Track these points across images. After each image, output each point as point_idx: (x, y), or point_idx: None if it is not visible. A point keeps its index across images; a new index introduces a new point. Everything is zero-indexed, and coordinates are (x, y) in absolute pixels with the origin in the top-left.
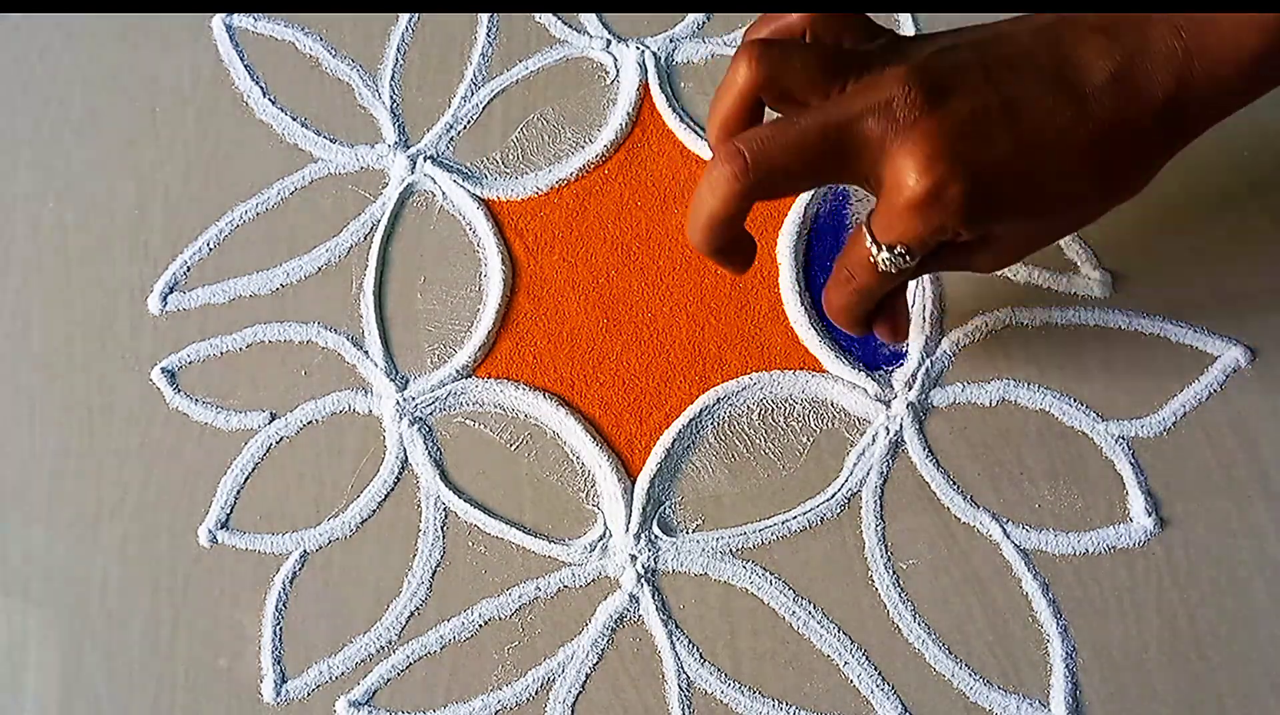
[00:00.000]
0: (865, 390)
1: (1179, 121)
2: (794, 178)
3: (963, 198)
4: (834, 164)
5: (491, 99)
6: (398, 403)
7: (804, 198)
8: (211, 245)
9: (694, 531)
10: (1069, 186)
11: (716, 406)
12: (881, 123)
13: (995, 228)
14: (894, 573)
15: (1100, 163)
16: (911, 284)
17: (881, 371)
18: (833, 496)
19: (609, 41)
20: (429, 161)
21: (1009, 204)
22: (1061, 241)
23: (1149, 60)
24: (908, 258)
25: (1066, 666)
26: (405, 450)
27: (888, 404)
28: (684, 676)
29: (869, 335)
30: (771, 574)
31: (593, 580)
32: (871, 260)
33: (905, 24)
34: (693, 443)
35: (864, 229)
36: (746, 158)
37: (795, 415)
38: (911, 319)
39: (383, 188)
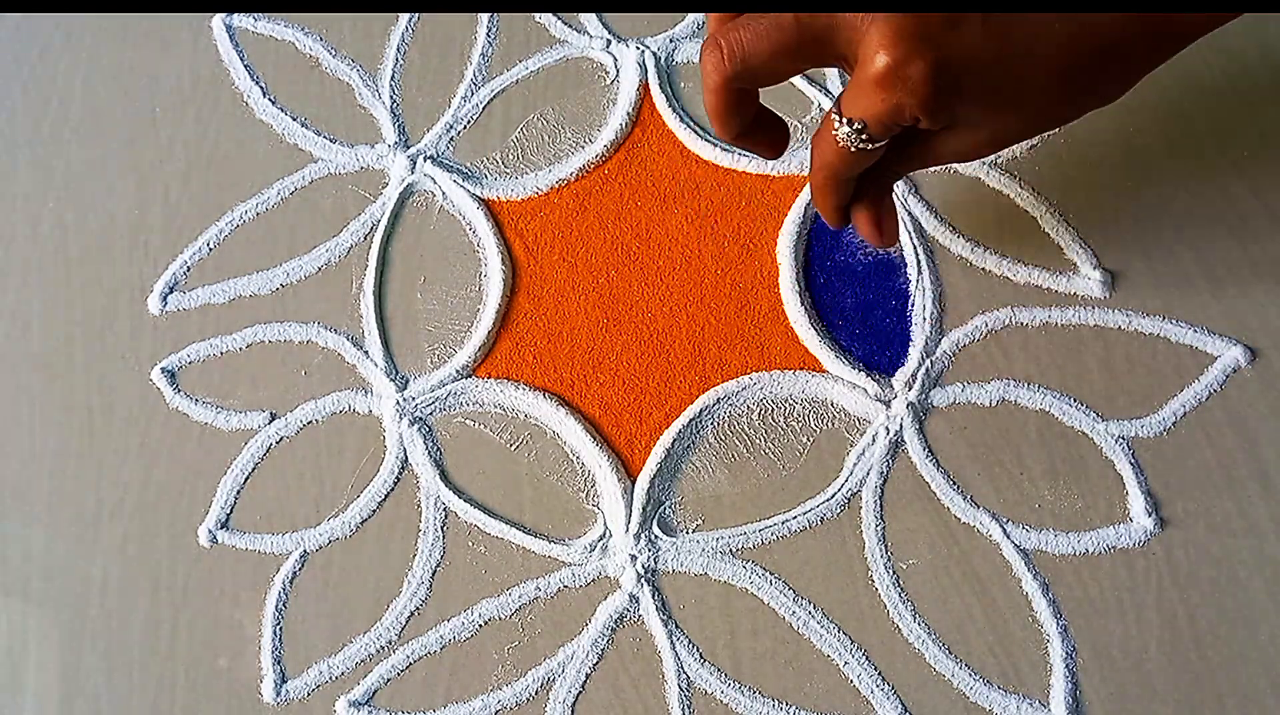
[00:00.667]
0: (865, 390)
1: (1165, 28)
2: (774, 61)
3: (925, 76)
4: (811, 48)
5: (491, 99)
6: (398, 403)
7: (804, 197)
8: (211, 245)
9: (694, 531)
10: (1039, 81)
11: (716, 406)
12: (847, 22)
13: (959, 114)
14: (894, 573)
15: (1074, 63)
16: (912, 283)
17: (881, 373)
18: (833, 496)
19: (609, 41)
20: (429, 161)
21: (973, 91)
22: (1061, 241)
23: None
24: (864, 135)
25: (1066, 666)
26: (405, 450)
27: (888, 404)
28: (684, 676)
29: (870, 333)
30: (771, 574)
31: (593, 580)
32: (834, 134)
33: None
34: (693, 443)
35: (834, 105)
36: (724, 48)
37: (795, 415)
38: (896, 223)
39: (383, 188)
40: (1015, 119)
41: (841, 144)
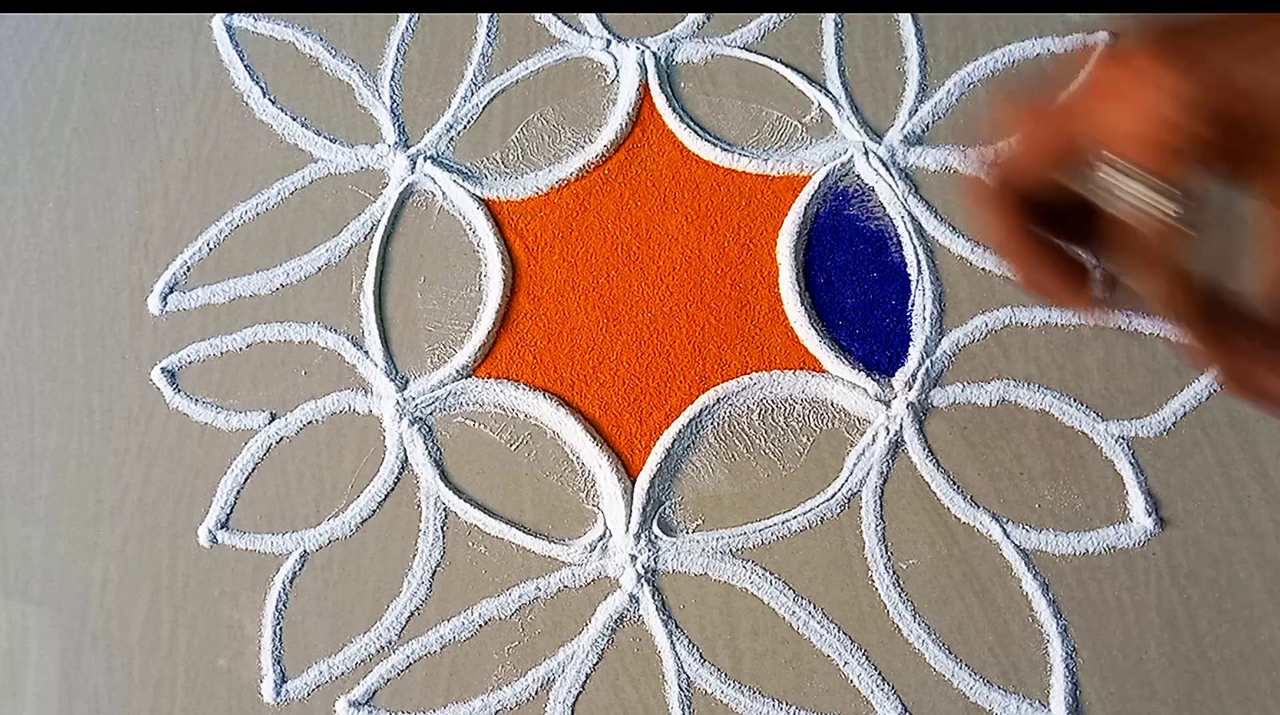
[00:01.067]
0: (865, 390)
1: None
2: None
3: (1180, 76)
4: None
5: (491, 99)
6: (398, 403)
7: (804, 197)
8: (211, 245)
9: (694, 531)
10: None
11: (716, 406)
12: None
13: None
14: (894, 573)
15: None
16: (912, 283)
17: (881, 373)
18: (833, 496)
19: (609, 41)
20: (429, 161)
21: (1259, 94)
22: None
23: None
24: (1173, 191)
25: (1066, 666)
26: (405, 450)
27: (888, 404)
28: (684, 676)
29: (870, 333)
30: (771, 574)
31: (593, 580)
32: (1115, 191)
33: (905, 24)
34: (693, 443)
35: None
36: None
37: (795, 415)
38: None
39: (383, 188)
40: None
41: (1159, 216)
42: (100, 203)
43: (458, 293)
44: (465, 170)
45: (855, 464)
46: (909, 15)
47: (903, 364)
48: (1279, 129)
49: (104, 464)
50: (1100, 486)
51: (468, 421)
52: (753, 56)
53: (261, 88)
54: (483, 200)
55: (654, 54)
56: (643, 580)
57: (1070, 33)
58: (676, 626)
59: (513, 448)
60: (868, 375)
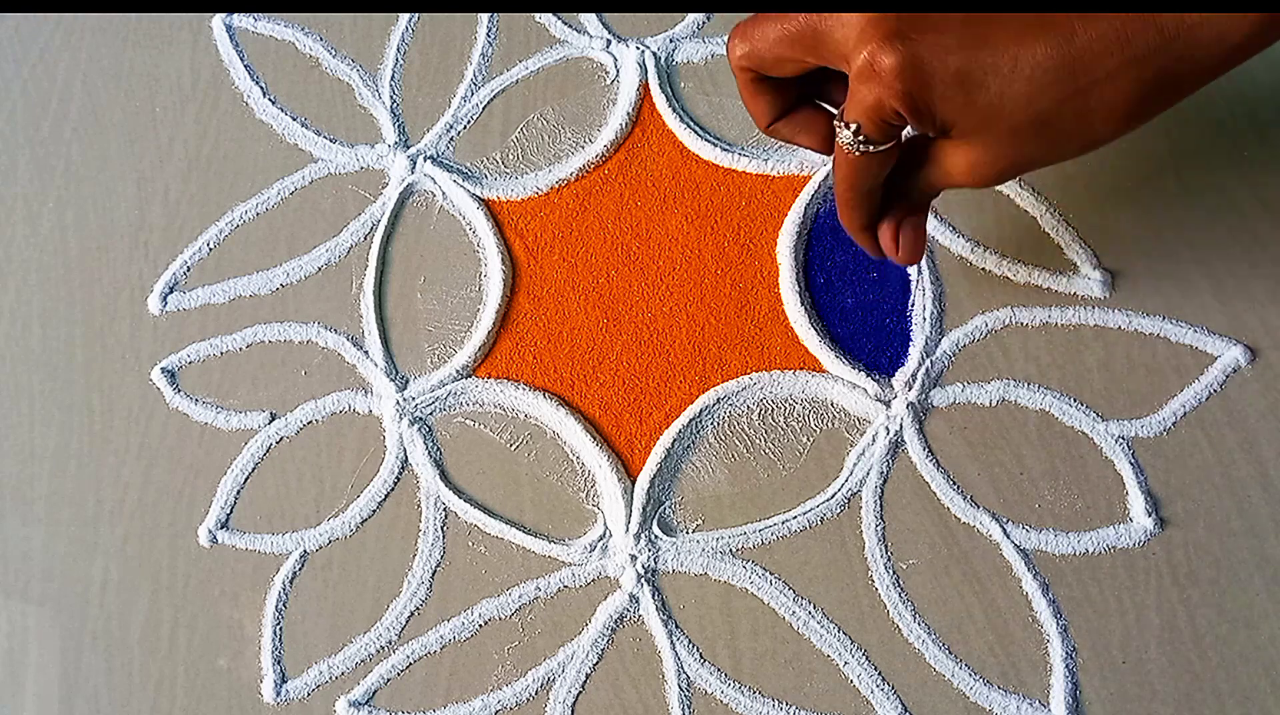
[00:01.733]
0: (865, 390)
1: (1164, 71)
2: (778, 47)
3: (896, 68)
4: (809, 40)
5: (491, 99)
6: (398, 403)
7: (804, 197)
8: (211, 245)
9: (694, 531)
10: (1018, 99)
11: (716, 406)
12: (847, 19)
13: (946, 119)
14: (894, 573)
15: (1053, 93)
16: (912, 283)
17: (881, 374)
18: (833, 496)
19: (609, 41)
20: (429, 161)
21: (948, 92)
22: (1061, 241)
23: (1136, 21)
24: (861, 137)
25: (1066, 666)
26: (405, 450)
27: (888, 404)
28: (684, 676)
29: (870, 333)
30: (771, 574)
31: (593, 580)
32: (838, 141)
33: None
34: (693, 443)
35: (838, 113)
36: (736, 34)
37: (795, 415)
38: (920, 243)
39: (383, 188)
40: (1004, 139)
41: (845, 149)
42: (100, 203)
43: (458, 293)
44: (465, 170)
45: (855, 464)
46: None
47: (903, 364)
48: (944, 112)
49: (104, 464)
50: (1100, 486)
51: (468, 421)
52: None
53: (261, 88)
54: (483, 200)
55: (654, 54)
56: (643, 580)
57: None
58: (676, 626)
59: (513, 448)
60: (868, 375)
